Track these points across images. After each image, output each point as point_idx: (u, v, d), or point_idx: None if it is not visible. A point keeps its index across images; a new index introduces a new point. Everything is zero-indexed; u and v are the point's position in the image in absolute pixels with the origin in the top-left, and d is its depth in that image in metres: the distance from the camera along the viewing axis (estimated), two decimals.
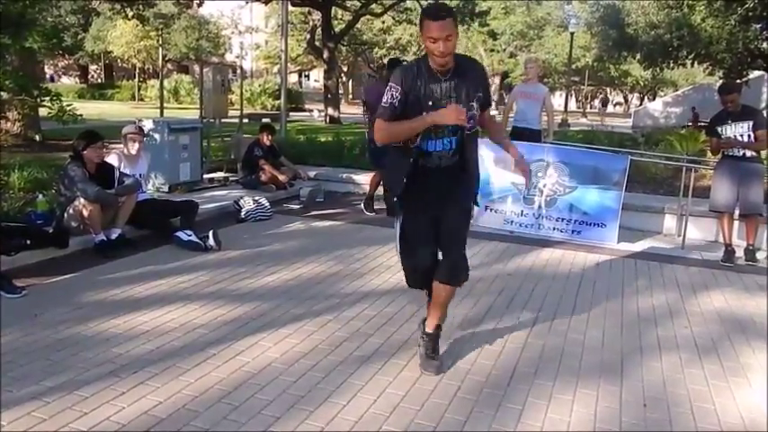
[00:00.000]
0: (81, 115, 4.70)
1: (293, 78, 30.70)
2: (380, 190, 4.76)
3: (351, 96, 33.80)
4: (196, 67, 31.70)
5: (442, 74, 2.15)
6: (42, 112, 5.34)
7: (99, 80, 32.60)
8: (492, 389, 2.25)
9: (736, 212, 4.36)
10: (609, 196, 4.77)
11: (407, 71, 2.19)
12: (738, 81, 11.95)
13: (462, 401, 2.15)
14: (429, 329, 2.40)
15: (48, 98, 4.46)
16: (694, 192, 4.72)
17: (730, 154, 4.32)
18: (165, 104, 13.68)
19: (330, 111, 17.83)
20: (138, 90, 26.57)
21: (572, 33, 19.90)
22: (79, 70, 33.77)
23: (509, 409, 2.12)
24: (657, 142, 8.84)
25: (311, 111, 21.91)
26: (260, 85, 26.15)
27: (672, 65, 13.90)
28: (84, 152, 3.69)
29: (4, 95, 4.32)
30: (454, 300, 3.15)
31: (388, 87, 2.18)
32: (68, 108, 4.53)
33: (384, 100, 2.17)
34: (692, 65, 14.08)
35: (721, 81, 13.31)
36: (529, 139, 5.33)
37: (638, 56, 14.31)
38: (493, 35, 22.10)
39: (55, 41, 4.81)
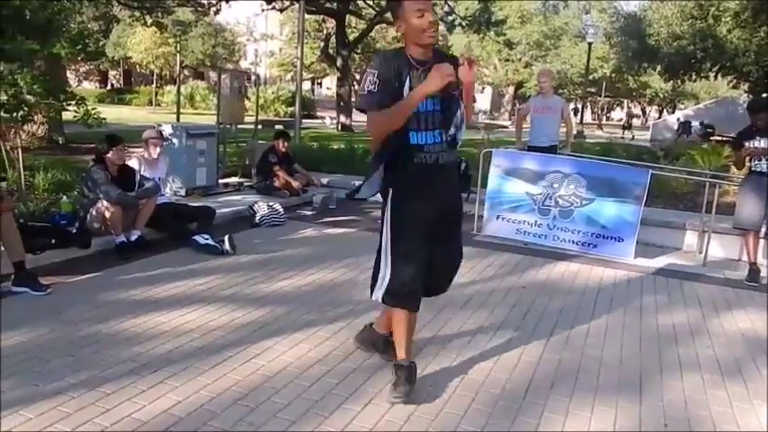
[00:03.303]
0: (105, 119, 4.82)
1: (306, 86, 30.98)
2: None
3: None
4: (212, 74, 32.27)
5: (421, 64, 2.01)
6: (66, 115, 5.47)
7: (112, 86, 33.29)
8: (507, 402, 2.24)
9: (762, 230, 4.26)
10: (627, 210, 4.68)
11: (384, 58, 2.05)
12: (766, 95, 11.73)
13: (477, 413, 2.14)
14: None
15: (73, 102, 4.59)
16: (717, 208, 4.62)
17: (757, 170, 4.22)
18: (181, 110, 13.90)
19: (342, 118, 17.96)
20: (156, 95, 27.07)
21: (590, 44, 19.80)
22: (99, 75, 34.56)
23: (525, 423, 2.10)
24: (678, 156, 8.72)
25: (323, 118, 22.08)
26: (273, 92, 26.48)
27: (694, 77, 13.70)
28: (107, 155, 3.78)
29: (31, 99, 4.44)
30: (468, 311, 3.18)
31: (364, 75, 2.03)
32: (93, 112, 4.65)
33: (360, 88, 2.03)
34: (716, 77, 13.85)
35: (746, 95, 13.10)
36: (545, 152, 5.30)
37: (658, 67, 14.15)
38: (509, 44, 22.04)
39: (80, 47, 4.94)
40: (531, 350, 2.73)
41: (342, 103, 18.20)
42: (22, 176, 4.81)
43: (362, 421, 2.03)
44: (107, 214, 3.69)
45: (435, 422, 2.06)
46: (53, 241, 3.57)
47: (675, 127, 18.87)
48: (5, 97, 4.39)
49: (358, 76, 25.16)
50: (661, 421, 2.19)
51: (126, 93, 29.24)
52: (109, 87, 32.88)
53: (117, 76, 35.03)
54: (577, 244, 4.78)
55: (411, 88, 2.00)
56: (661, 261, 4.56)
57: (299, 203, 5.82)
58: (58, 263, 3.52)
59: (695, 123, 17.62)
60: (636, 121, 42.84)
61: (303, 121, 12.03)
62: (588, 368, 2.57)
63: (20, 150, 4.97)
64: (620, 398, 2.32)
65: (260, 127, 8.10)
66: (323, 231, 4.92)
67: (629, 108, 37.81)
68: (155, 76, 27.68)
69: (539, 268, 4.19)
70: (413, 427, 2.02)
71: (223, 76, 6.81)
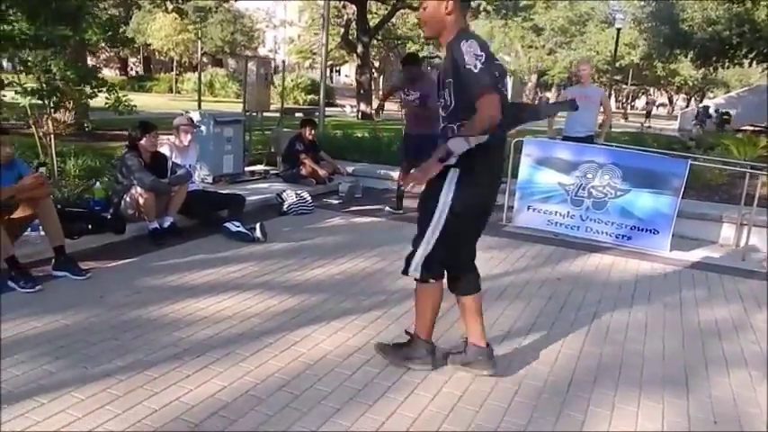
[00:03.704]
0: (135, 106, 4.84)
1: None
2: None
3: (381, 92, 33.79)
4: (230, 61, 32.29)
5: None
6: (93, 102, 5.50)
7: (137, 72, 33.55)
8: (551, 395, 2.20)
9: None
10: (664, 202, 4.53)
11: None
12: None
13: (521, 406, 2.11)
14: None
15: (104, 89, 4.62)
16: (756, 201, 4.44)
17: None
18: (201, 97, 13.92)
19: (362, 106, 17.84)
20: (176, 83, 27.22)
21: (618, 30, 19.16)
22: (119, 62, 34.91)
23: (570, 417, 2.06)
24: (712, 147, 8.43)
25: (343, 106, 21.96)
26: (292, 80, 26.43)
27: (728, 64, 13.16)
28: (141, 142, 3.79)
29: (63, 85, 4.48)
30: (503, 302, 3.14)
31: (472, 52, 1.86)
32: (123, 99, 4.68)
33: (481, 66, 1.85)
34: (750, 64, 13.25)
35: None
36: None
37: (690, 54, 13.63)
38: (537, 30, 21.44)
39: (111, 33, 4.94)
40: (571, 343, 2.68)
41: (362, 91, 18.05)
42: (55, 163, 4.88)
43: (406, 410, 2.01)
44: (141, 201, 3.72)
45: (480, 414, 2.03)
46: (89, 227, 3.62)
47: (695, 114, 18.36)
48: (38, 84, 4.44)
49: (377, 64, 24.92)
50: (710, 418, 2.13)
51: (146, 80, 29.45)
52: (133, 74, 33.16)
53: (137, 63, 35.32)
54: (611, 236, 4.67)
55: None
56: (697, 254, 4.43)
57: (325, 192, 5.80)
58: (95, 248, 3.57)
59: (712, 111, 17.16)
60: (662, 110, 41.77)
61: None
62: (631, 363, 2.52)
63: (52, 137, 5.04)
64: (666, 393, 2.27)
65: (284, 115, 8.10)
66: (350, 220, 4.90)
67: (649, 96, 37.17)
68: (174, 64, 27.83)
69: (572, 260, 4.10)
70: (457, 418, 2.00)
71: (249, 64, 6.78)
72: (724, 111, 16.65)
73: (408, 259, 2.20)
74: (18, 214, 3.14)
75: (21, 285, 2.82)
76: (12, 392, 1.94)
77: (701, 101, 31.14)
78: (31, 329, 2.41)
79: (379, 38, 21.01)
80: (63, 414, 1.84)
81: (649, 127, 19.28)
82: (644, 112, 27.04)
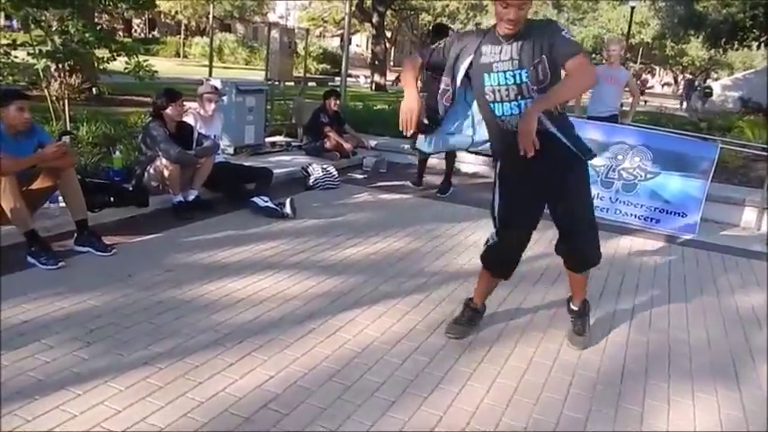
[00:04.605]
0: (157, 71, 4.63)
1: (335, 42, 30.04)
2: None
3: (392, 63, 32.99)
4: (238, 26, 31.41)
5: (505, 37, 2.06)
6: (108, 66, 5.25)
7: (143, 35, 32.58)
8: (605, 386, 2.14)
9: None
10: (693, 185, 4.49)
11: (464, 34, 2.25)
12: None
13: (578, 398, 2.05)
14: (574, 306, 2.45)
15: (124, 53, 4.40)
16: None
17: None
18: (212, 63, 13.48)
19: (376, 77, 17.42)
20: (183, 47, 26.50)
21: (632, 8, 18.65)
22: (123, 25, 33.90)
23: (628, 411, 2.00)
24: (729, 129, 8.29)
25: (357, 77, 21.37)
26: (304, 48, 25.67)
27: (736, 46, 12.93)
28: (166, 111, 3.62)
29: (79, 48, 4.26)
30: (543, 286, 3.06)
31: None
32: (144, 64, 4.46)
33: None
34: (759, 47, 13.05)
35: None
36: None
37: (701, 35, 13.37)
38: (558, 7, 20.75)
39: None
40: (617, 330, 2.62)
41: (376, 62, 17.60)
42: (68, 129, 4.71)
43: (462, 404, 1.94)
44: (166, 173, 3.58)
45: (538, 406, 1.96)
46: (111, 199, 3.49)
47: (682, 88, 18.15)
48: (52, 46, 4.21)
49: (389, 34, 24.21)
50: (765, 411, 2.07)
51: (152, 43, 28.54)
52: (147, 36, 32.08)
53: (140, 25, 34.28)
54: (639, 218, 4.61)
55: (482, 55, 2.10)
56: (723, 238, 4.39)
57: (348, 166, 5.64)
58: (117, 221, 3.44)
59: (696, 84, 17.11)
60: (666, 90, 41.03)
61: (336, 78, 11.56)
62: (678, 351, 2.47)
63: (66, 102, 4.86)
64: (717, 385, 2.22)
65: (291, 84, 7.79)
66: (378, 197, 4.77)
67: (638, 73, 36.52)
68: (182, 27, 27.03)
69: (604, 242, 3.90)
70: (516, 411, 1.93)
71: (273, 31, 6.51)
72: (706, 86, 16.58)
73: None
74: (37, 185, 3.00)
75: (42, 262, 2.66)
76: (43, 381, 1.80)
77: (704, 81, 30.80)
78: (58, 311, 2.27)
79: (395, 8, 20.32)
80: (102, 407, 1.70)
81: (645, 102, 19.18)
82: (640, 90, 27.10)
